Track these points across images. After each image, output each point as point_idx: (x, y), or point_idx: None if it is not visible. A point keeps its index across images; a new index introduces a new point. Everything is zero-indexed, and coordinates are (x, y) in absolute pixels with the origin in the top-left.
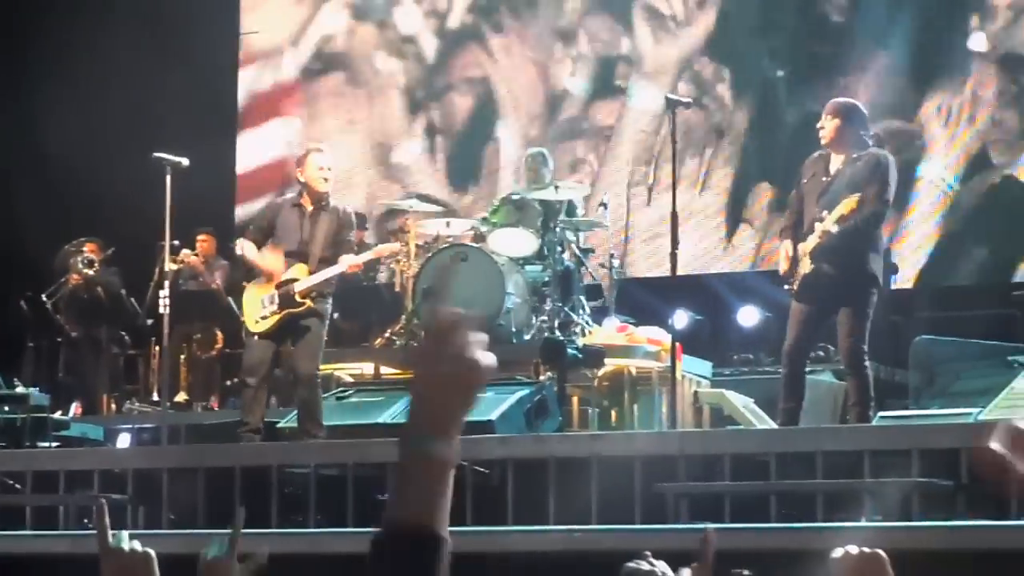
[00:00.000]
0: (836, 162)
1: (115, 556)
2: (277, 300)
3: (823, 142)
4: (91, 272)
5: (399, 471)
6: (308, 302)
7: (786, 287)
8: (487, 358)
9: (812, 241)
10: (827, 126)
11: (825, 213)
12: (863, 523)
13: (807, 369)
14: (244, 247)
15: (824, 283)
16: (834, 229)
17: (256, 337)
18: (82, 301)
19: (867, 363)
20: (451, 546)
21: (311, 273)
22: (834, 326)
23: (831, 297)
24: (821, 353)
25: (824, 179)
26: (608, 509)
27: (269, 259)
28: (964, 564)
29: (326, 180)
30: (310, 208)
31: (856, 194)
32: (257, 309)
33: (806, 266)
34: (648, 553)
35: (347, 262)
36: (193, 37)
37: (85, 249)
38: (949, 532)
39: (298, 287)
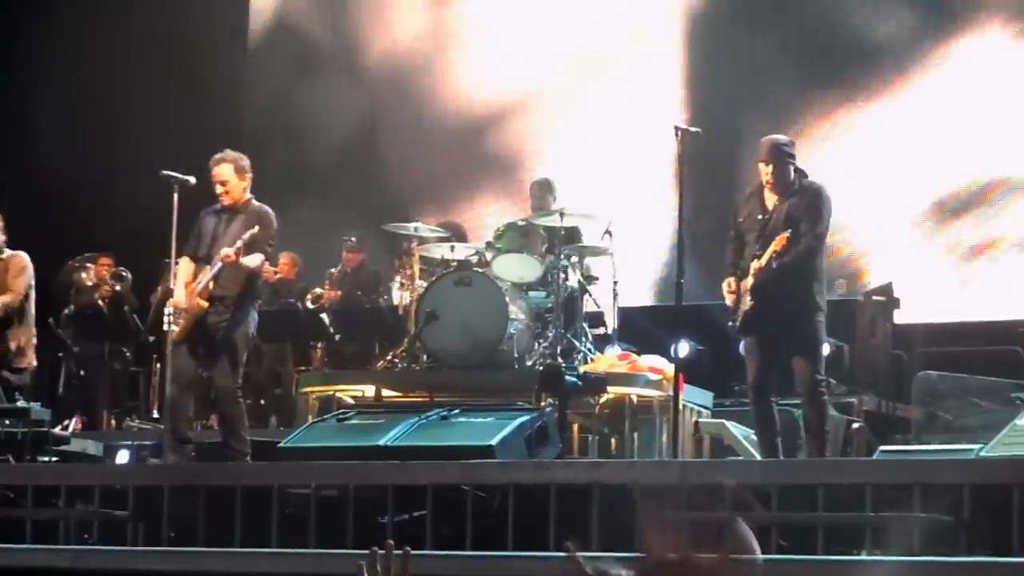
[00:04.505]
0: (771, 199)
1: None
2: (185, 306)
3: (764, 184)
4: (119, 287)
5: None
6: (203, 303)
7: (730, 323)
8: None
9: (750, 279)
10: (763, 172)
11: (761, 251)
12: (864, 557)
13: (797, 403)
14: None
15: (766, 317)
16: (773, 265)
17: (173, 346)
18: (85, 317)
19: (824, 394)
20: None
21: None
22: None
23: (777, 328)
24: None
25: (760, 216)
26: (608, 536)
27: (183, 269)
28: None
29: (223, 187)
30: (226, 212)
31: (787, 231)
32: (172, 317)
33: (746, 303)
34: None
35: (222, 254)
36: (201, 53)
37: (101, 264)
38: (950, 568)
39: (196, 289)
